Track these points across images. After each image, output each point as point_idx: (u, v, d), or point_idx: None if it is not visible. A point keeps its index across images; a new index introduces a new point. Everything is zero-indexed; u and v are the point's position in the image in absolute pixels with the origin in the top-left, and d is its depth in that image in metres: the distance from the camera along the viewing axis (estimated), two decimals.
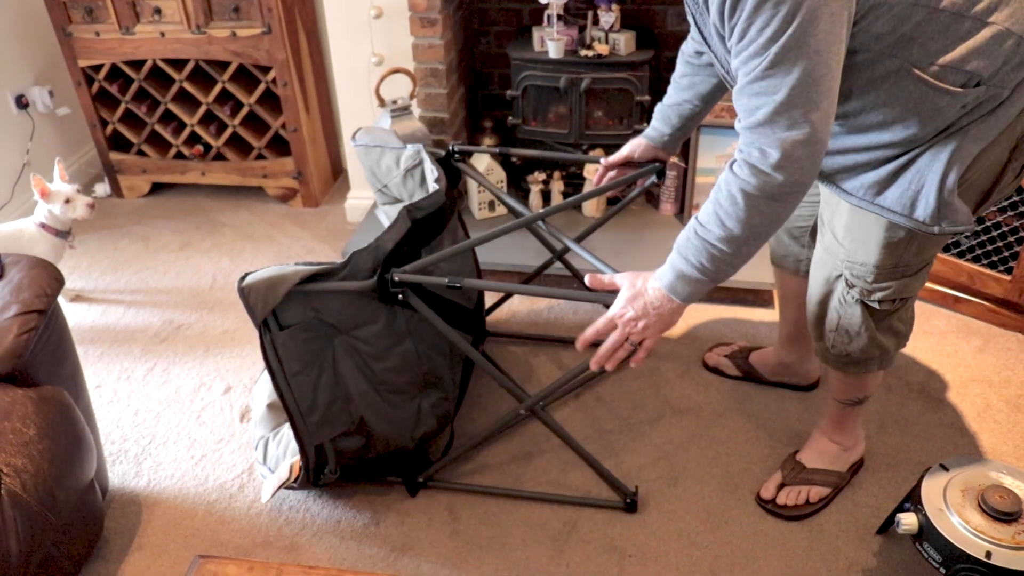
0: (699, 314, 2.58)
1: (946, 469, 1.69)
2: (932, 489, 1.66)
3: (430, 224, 1.93)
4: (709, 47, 1.52)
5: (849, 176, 1.51)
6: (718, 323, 2.54)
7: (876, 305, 1.63)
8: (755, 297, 2.60)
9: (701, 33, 1.52)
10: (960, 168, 1.41)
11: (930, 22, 1.31)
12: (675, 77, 1.87)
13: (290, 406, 1.80)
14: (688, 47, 1.82)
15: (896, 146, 1.43)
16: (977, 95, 1.34)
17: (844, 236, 1.60)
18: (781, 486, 1.94)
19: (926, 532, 1.62)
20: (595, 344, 1.59)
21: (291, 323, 1.74)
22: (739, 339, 2.45)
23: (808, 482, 1.93)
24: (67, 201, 2.48)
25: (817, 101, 1.27)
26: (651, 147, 1.96)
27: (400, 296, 1.78)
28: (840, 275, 1.64)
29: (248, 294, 1.66)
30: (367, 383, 1.88)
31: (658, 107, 1.93)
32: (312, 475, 1.89)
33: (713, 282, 1.46)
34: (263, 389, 2.14)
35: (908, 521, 1.65)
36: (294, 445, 1.97)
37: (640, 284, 1.52)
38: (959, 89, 1.34)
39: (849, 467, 1.97)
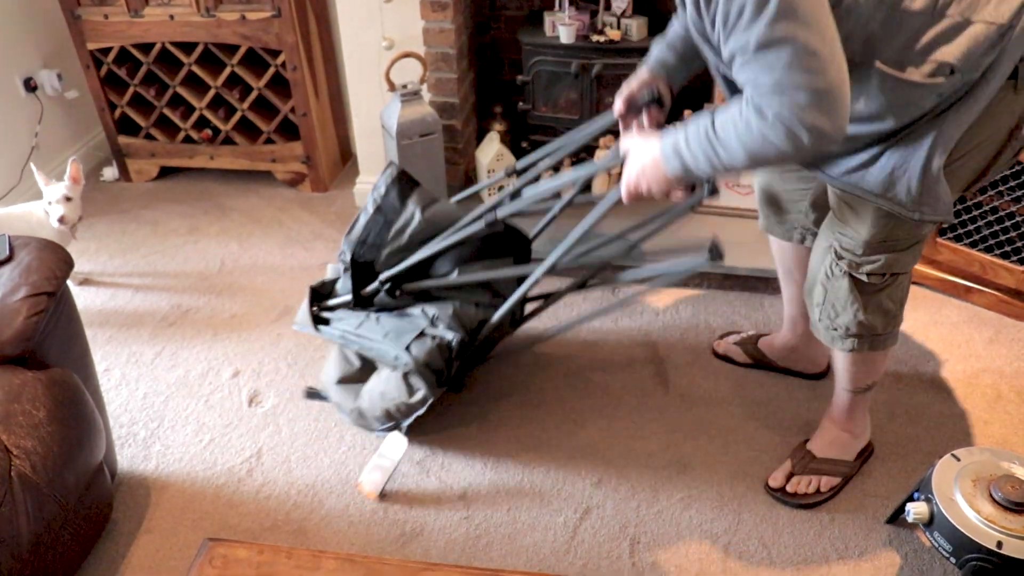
0: (709, 301, 2.57)
1: (957, 459, 1.68)
2: (943, 479, 1.65)
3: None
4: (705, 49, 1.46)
5: (831, 163, 1.52)
6: (728, 311, 2.52)
7: (864, 278, 1.62)
8: (766, 285, 2.58)
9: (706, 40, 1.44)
10: (943, 153, 1.42)
11: (891, 20, 1.33)
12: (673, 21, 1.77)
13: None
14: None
15: (875, 138, 1.45)
16: (953, 83, 1.35)
17: (836, 206, 1.61)
18: (791, 475, 1.94)
19: (937, 521, 1.61)
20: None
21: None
22: (750, 326, 2.44)
23: (818, 472, 1.92)
24: (50, 203, 2.45)
25: (820, 68, 1.21)
26: (655, 78, 1.79)
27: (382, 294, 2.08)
28: (830, 245, 1.64)
29: (301, 324, 2.16)
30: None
31: (656, 42, 1.80)
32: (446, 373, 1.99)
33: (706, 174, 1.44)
34: (331, 370, 2.16)
35: (919, 510, 1.65)
36: (389, 390, 2.00)
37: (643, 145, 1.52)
38: (931, 80, 1.34)
39: (857, 455, 1.97)
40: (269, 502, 1.97)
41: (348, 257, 2.05)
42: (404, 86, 2.66)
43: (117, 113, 3.26)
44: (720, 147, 1.36)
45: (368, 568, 1.36)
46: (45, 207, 2.46)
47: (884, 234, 1.56)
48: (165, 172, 3.44)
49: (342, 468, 2.04)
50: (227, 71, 3.07)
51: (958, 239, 2.46)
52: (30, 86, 3.17)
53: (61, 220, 2.45)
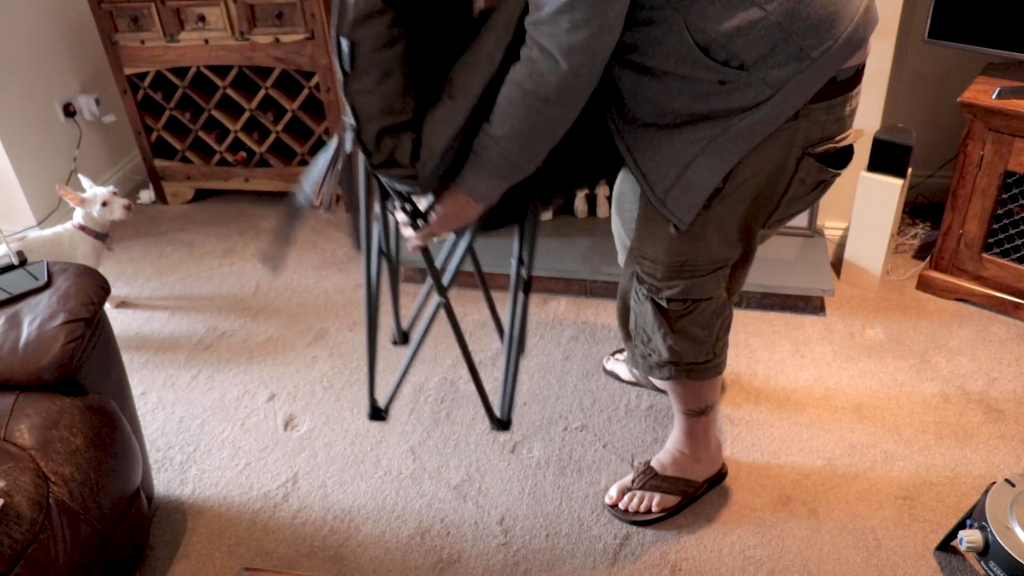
0: (749, 321, 2.52)
1: (1012, 484, 1.63)
2: (997, 505, 1.60)
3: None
4: None
5: (630, 129, 1.43)
6: (768, 330, 2.48)
7: (664, 303, 1.59)
8: (805, 304, 2.54)
9: None
10: (716, 164, 1.37)
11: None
12: None
13: None
14: None
15: (664, 112, 1.37)
16: (737, 77, 1.28)
17: (638, 230, 1.58)
18: (627, 490, 1.93)
19: (992, 550, 1.56)
20: None
21: None
22: (788, 345, 2.40)
23: (656, 489, 1.90)
24: (104, 204, 2.51)
25: (603, 9, 1.18)
26: None
27: None
28: (633, 272, 1.61)
29: None
30: None
31: None
32: None
33: (507, 180, 1.37)
34: None
35: (972, 538, 1.60)
36: None
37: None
38: (719, 64, 1.27)
39: (704, 479, 1.94)
40: (305, 528, 1.95)
41: None
42: None
43: (153, 136, 3.29)
44: (501, 135, 1.29)
45: None
46: (94, 213, 2.53)
47: (681, 258, 1.51)
48: (201, 195, 3.47)
49: (378, 493, 2.02)
50: (261, 94, 3.09)
51: (1005, 254, 2.40)
52: (69, 111, 3.22)
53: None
